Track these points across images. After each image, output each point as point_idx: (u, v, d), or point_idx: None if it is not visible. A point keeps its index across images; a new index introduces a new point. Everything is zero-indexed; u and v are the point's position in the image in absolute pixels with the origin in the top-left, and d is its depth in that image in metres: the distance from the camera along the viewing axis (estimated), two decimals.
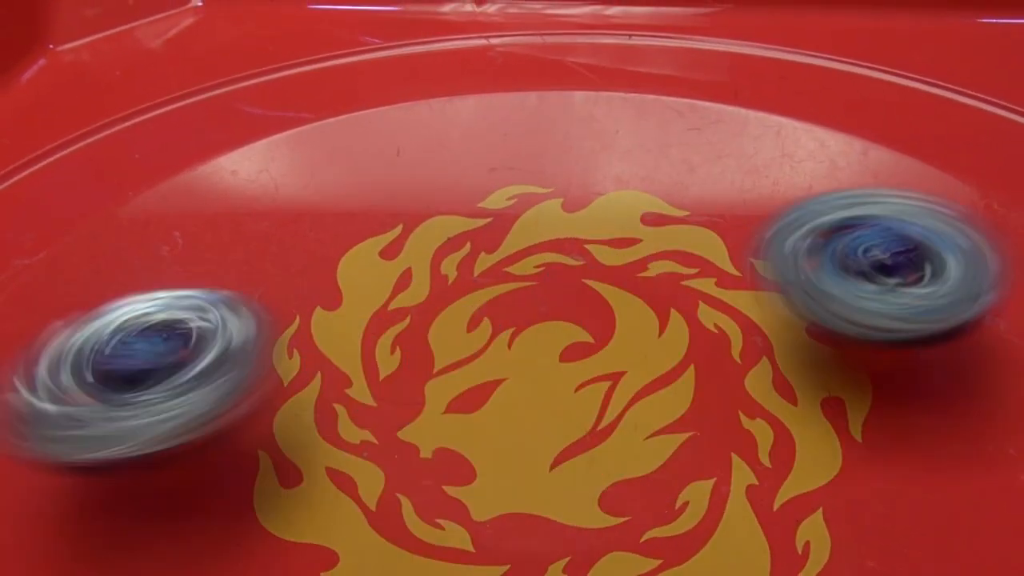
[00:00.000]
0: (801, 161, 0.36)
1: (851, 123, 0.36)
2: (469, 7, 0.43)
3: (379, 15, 0.43)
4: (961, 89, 0.37)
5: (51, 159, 0.37)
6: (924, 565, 0.25)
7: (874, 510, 0.26)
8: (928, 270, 0.27)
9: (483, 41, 0.42)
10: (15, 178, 0.37)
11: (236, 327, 0.26)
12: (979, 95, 0.37)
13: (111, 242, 0.35)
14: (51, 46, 0.43)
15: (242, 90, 0.40)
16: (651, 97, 0.39)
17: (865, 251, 0.27)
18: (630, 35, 0.41)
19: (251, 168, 0.38)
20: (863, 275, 0.27)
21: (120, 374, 0.25)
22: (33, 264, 0.33)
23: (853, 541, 0.25)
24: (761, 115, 0.37)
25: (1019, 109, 0.36)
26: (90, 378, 0.25)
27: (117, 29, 0.43)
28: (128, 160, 0.38)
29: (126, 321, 0.26)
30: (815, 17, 0.41)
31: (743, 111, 0.38)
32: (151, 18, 0.44)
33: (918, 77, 0.38)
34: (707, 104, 0.38)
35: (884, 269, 0.27)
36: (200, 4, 0.45)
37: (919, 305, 0.26)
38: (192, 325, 0.26)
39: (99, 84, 0.41)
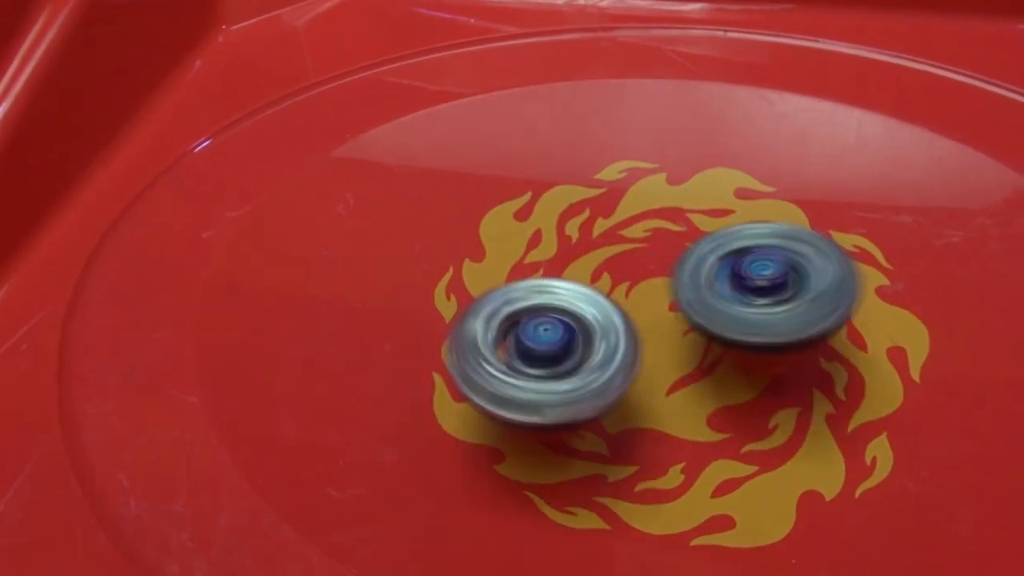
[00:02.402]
0: (877, 150, 0.42)
1: (923, 117, 0.42)
2: (582, 1, 0.49)
3: (507, 7, 0.50)
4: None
5: (240, 127, 0.44)
6: (968, 476, 0.31)
7: (928, 434, 0.33)
8: (799, 290, 0.31)
9: (598, 33, 0.48)
10: (203, 145, 0.44)
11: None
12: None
13: (298, 201, 0.42)
14: (224, 27, 0.50)
15: (390, 71, 0.47)
16: (744, 87, 0.45)
17: (751, 274, 0.32)
18: (726, 30, 0.47)
19: (403, 141, 0.44)
20: (751, 292, 0.32)
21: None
22: (239, 217, 0.41)
23: (911, 457, 0.32)
24: (844, 107, 0.43)
25: None
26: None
27: (282, 10, 0.50)
28: (298, 132, 0.45)
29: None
30: (914, 21, 0.47)
31: (828, 103, 0.44)
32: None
33: (981, 77, 0.44)
34: (794, 96, 0.44)
35: (764, 289, 0.32)
36: None
37: (789, 318, 0.31)
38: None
39: (267, 63, 0.48)
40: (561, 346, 0.30)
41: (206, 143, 0.44)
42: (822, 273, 0.32)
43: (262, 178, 0.42)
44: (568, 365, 0.30)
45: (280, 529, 0.30)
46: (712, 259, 0.33)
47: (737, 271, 0.32)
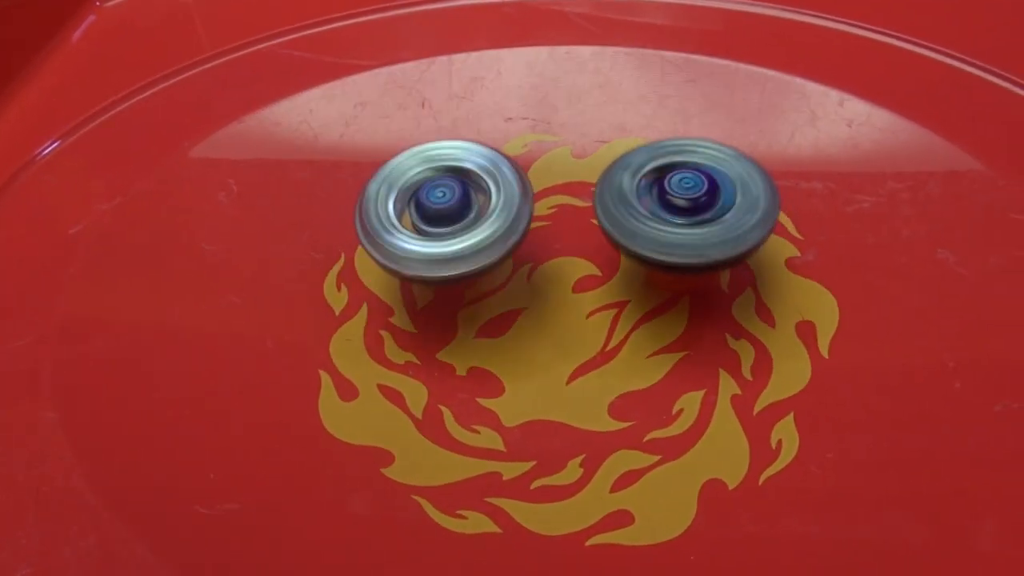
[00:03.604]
0: (785, 112, 0.40)
1: (831, 76, 0.41)
2: None
3: None
4: (936, 47, 0.41)
5: (110, 114, 0.41)
6: (874, 455, 0.30)
7: (835, 414, 0.31)
8: (720, 209, 0.32)
9: None
10: (78, 133, 0.41)
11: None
12: (957, 53, 0.41)
13: (175, 189, 0.39)
14: (98, 3, 0.46)
15: (279, 45, 0.44)
16: (651, 51, 0.43)
17: (675, 191, 0.32)
18: None
19: (292, 119, 0.42)
20: (673, 211, 0.32)
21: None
22: (111, 209, 0.38)
23: (817, 438, 0.31)
24: (750, 68, 0.41)
25: (989, 67, 0.40)
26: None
27: None
28: (180, 113, 0.42)
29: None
30: None
31: (733, 64, 0.42)
32: None
33: (893, 33, 0.42)
34: (701, 58, 0.42)
35: (686, 208, 0.32)
36: None
37: (706, 238, 0.31)
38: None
39: (146, 39, 0.45)
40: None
41: (72, 132, 0.41)
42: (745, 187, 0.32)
43: (136, 165, 0.39)
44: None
45: (139, 555, 0.28)
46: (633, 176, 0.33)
47: (661, 189, 0.32)
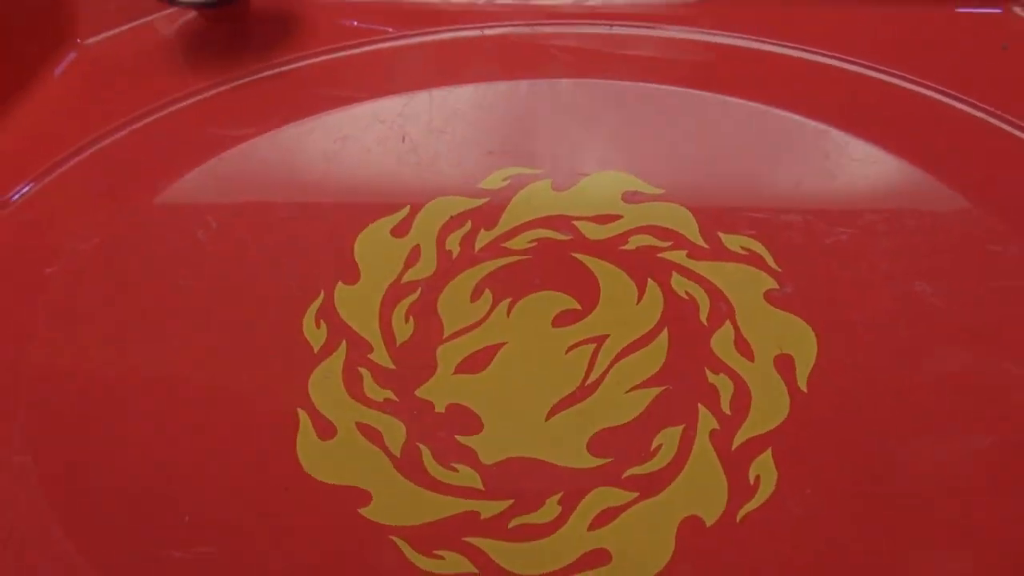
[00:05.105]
0: (764, 144, 0.40)
1: (810, 108, 0.41)
2: None
3: (387, 6, 0.47)
4: (915, 79, 0.42)
5: (89, 151, 0.41)
6: (854, 492, 0.30)
7: (813, 448, 0.31)
8: None
9: (478, 32, 0.45)
10: (56, 172, 0.41)
11: None
12: (935, 85, 0.41)
13: (153, 227, 0.39)
14: (79, 40, 0.46)
15: (260, 80, 0.44)
16: (632, 84, 0.43)
17: None
18: (611, 24, 0.45)
19: (274, 155, 0.42)
20: None
21: None
22: (88, 249, 0.37)
23: (795, 474, 0.31)
24: (731, 100, 0.42)
25: (961, 96, 0.41)
26: None
27: (138, 22, 0.46)
28: (159, 151, 0.42)
29: None
30: (790, 10, 0.45)
31: (714, 96, 0.42)
32: (168, 10, 0.47)
33: (873, 65, 0.42)
34: (682, 90, 0.42)
35: None
36: None
37: None
38: None
39: (127, 75, 0.45)
40: None
41: (49, 171, 0.41)
42: None
43: (115, 203, 0.39)
44: None
45: None
46: None
47: None
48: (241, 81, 0.46)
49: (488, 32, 0.46)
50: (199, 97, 0.44)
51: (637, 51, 0.45)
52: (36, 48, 0.45)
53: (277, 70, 0.45)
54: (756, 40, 0.45)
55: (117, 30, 0.47)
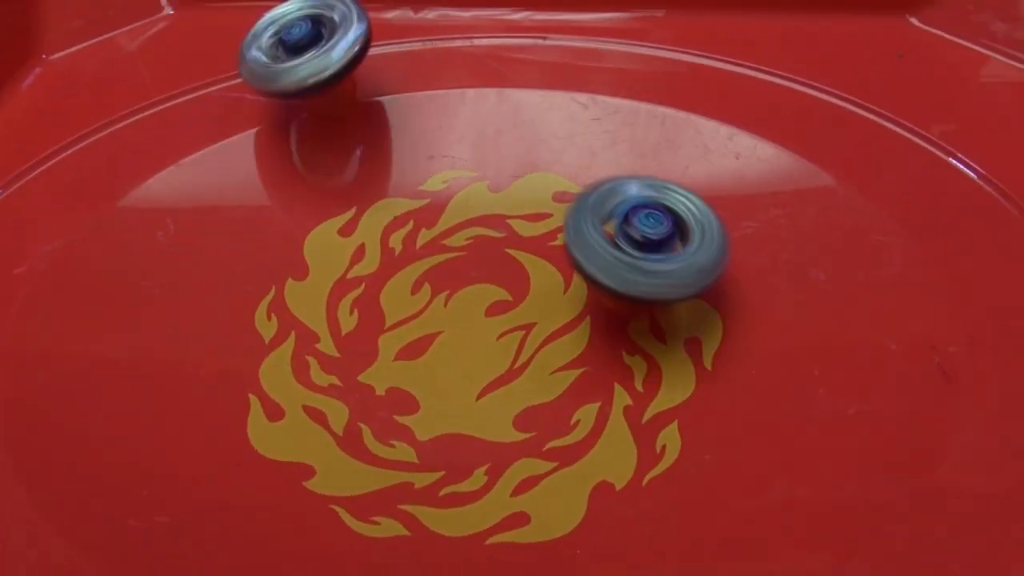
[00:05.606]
0: (680, 146, 0.44)
1: (722, 113, 0.44)
2: (410, 14, 0.50)
3: None
4: (814, 83, 0.45)
5: (53, 161, 0.44)
6: (750, 458, 0.34)
7: (714, 420, 0.35)
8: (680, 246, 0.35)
9: (421, 45, 0.49)
10: (22, 180, 0.44)
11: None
12: (832, 89, 0.45)
13: (114, 230, 0.42)
14: (45, 55, 0.49)
15: (221, 90, 0.47)
16: (560, 92, 0.47)
17: (639, 228, 0.35)
18: (545, 37, 0.48)
19: (227, 162, 0.45)
20: (637, 246, 0.35)
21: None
22: (54, 250, 0.40)
23: (697, 443, 0.34)
24: (650, 106, 0.45)
25: (859, 102, 0.45)
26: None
27: (102, 37, 0.49)
28: (121, 158, 0.45)
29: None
30: (705, 20, 0.49)
31: (635, 103, 0.46)
32: (131, 26, 0.50)
33: (779, 73, 0.46)
34: (605, 98, 0.46)
35: (652, 243, 0.35)
36: (172, 12, 0.51)
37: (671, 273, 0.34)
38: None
39: (91, 88, 0.48)
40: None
41: (16, 180, 0.44)
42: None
43: (78, 208, 0.42)
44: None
45: (75, 564, 0.30)
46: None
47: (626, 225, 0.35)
48: (200, 93, 0.48)
49: (430, 45, 0.49)
50: (159, 108, 0.47)
51: (565, 59, 0.48)
52: (3, 64, 0.48)
53: (236, 81, 0.48)
54: (672, 50, 0.48)
55: (81, 45, 0.49)
